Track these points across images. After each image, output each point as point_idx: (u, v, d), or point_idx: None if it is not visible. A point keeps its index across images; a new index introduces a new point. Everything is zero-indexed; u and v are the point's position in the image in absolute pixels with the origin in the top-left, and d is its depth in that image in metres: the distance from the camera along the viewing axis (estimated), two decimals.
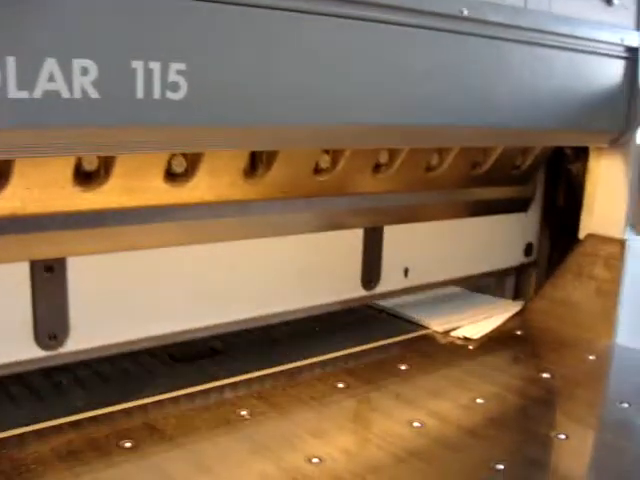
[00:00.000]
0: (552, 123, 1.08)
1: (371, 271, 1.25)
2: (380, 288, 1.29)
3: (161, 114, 0.70)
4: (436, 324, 1.29)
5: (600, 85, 1.14)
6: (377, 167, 1.14)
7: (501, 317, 1.34)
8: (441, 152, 1.21)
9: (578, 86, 1.10)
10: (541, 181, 1.49)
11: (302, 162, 1.03)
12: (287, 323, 1.22)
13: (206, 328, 1.07)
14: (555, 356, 1.18)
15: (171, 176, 0.93)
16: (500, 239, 1.48)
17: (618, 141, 1.24)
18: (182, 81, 0.70)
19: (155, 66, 0.68)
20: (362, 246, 1.21)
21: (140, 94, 0.68)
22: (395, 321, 1.33)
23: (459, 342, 1.23)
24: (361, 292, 1.26)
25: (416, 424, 0.92)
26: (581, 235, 1.36)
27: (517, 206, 1.45)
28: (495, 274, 1.50)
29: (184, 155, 0.92)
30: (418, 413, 0.95)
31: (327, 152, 1.06)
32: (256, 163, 1.00)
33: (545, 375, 1.09)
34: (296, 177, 1.03)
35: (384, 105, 0.87)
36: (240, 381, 1.02)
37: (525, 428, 0.93)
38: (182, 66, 0.70)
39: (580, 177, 1.39)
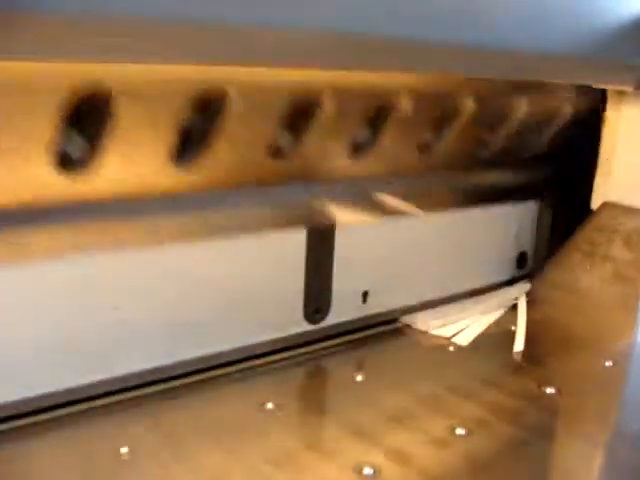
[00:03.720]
0: (562, 48, 0.79)
1: None
2: None
3: None
4: (412, 318, 1.00)
5: (628, 3, 0.84)
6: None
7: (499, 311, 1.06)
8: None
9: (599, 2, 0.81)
10: None
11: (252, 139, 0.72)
12: None
13: None
14: (561, 362, 0.90)
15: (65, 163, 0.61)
16: None
17: None
18: None
19: None
20: None
21: None
22: None
23: (439, 342, 0.95)
24: None
25: (367, 470, 0.64)
26: (594, 204, 1.09)
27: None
28: None
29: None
30: (372, 451, 0.67)
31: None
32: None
33: (549, 390, 0.82)
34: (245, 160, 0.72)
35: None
36: (125, 400, 0.74)
37: (522, 479, 0.65)
38: None
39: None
